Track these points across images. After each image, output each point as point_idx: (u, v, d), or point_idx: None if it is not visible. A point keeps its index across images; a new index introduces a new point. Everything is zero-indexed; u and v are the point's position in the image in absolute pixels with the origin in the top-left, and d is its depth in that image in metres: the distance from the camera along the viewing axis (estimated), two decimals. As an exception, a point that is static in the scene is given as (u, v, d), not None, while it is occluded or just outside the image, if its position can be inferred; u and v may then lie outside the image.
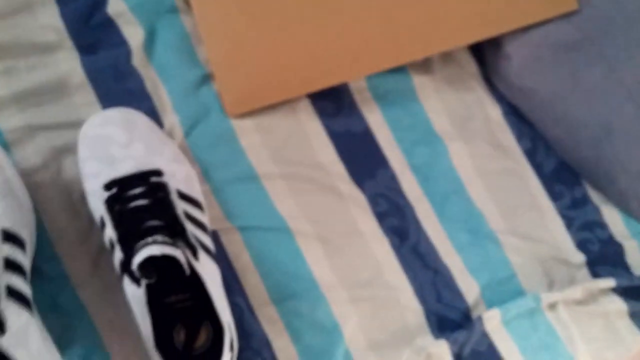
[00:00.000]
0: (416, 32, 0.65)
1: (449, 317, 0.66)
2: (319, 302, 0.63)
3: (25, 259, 0.51)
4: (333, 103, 0.68)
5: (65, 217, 0.57)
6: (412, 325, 0.65)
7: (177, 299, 0.54)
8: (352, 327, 0.63)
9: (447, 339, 0.63)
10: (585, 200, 0.73)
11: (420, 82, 0.70)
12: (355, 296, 0.64)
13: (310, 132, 0.66)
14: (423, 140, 0.69)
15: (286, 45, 0.63)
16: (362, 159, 0.68)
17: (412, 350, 0.63)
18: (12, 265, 0.48)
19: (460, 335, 0.63)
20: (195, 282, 0.52)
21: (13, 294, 0.47)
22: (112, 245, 0.52)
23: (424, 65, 0.71)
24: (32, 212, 0.55)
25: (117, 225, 0.51)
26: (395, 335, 0.64)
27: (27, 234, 0.52)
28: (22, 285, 0.49)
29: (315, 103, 0.67)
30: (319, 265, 0.64)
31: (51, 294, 0.55)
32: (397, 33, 0.64)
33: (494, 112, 0.72)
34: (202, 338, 0.55)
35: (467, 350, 0.64)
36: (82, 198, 0.57)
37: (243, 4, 0.62)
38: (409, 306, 0.65)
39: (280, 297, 0.62)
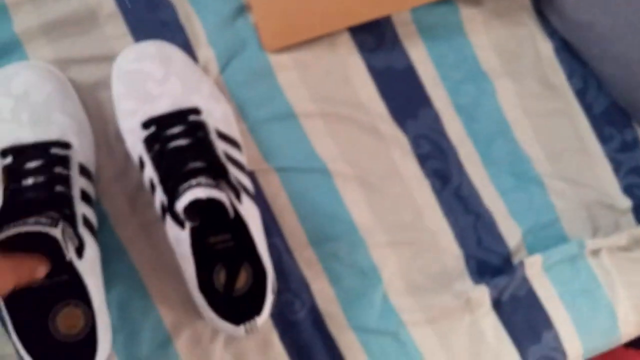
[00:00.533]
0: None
1: (489, 262, 0.65)
2: (357, 245, 0.62)
3: (93, 191, 0.53)
4: (374, 37, 0.64)
5: (101, 155, 0.56)
6: (452, 270, 0.64)
7: (218, 241, 0.53)
8: (391, 271, 0.62)
9: (487, 284, 0.62)
10: (635, 144, 0.70)
11: (468, 15, 0.66)
12: (394, 239, 0.63)
13: (350, 68, 0.63)
14: (469, 78, 0.66)
15: None
16: (404, 97, 0.65)
17: (451, 295, 0.62)
18: (86, 198, 0.50)
19: (501, 280, 0.63)
20: (237, 224, 0.51)
21: (87, 224, 0.49)
22: (152, 187, 0.51)
23: (473, -3, 0.67)
24: (94, 145, 0.55)
25: (158, 166, 0.50)
26: (434, 279, 0.63)
27: (94, 168, 0.54)
28: (93, 217, 0.51)
29: (355, 37, 0.63)
30: (358, 207, 0.62)
31: (90, 234, 0.55)
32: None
33: (545, 48, 0.68)
34: (242, 280, 0.55)
35: (506, 296, 0.63)
36: (118, 136, 0.55)
37: None
38: (449, 250, 0.64)
39: (319, 240, 0.61)
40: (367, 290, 0.61)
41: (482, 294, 0.62)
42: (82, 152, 0.52)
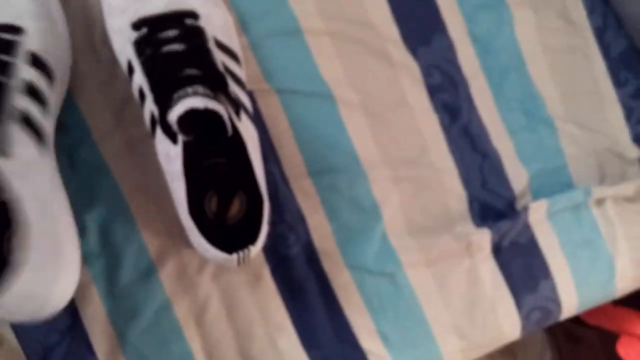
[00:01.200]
0: None
1: (492, 205, 0.62)
2: (359, 179, 0.58)
3: (51, 93, 0.45)
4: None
5: (85, 60, 0.50)
6: (454, 211, 0.61)
7: (212, 163, 0.49)
8: (392, 208, 0.59)
9: (489, 227, 0.60)
10: (650, 91, 0.67)
11: (491, -64, 0.61)
12: (397, 175, 0.59)
13: (364, -14, 0.58)
14: (487, 4, 0.62)
15: None
16: (418, 21, 0.60)
17: (452, 237, 0.59)
18: (33, 93, 0.43)
19: (503, 225, 0.60)
20: (234, 144, 0.46)
21: (27, 122, 0.42)
22: (142, 95, 0.45)
23: None
24: (70, 49, 0.48)
25: (149, 72, 0.44)
26: (436, 219, 0.60)
27: (60, 68, 0.46)
28: (39, 118, 0.44)
29: (370, -49, 0.58)
30: (362, 138, 0.58)
31: (70, 148, 0.49)
32: None
33: (569, -21, 0.64)
34: (236, 207, 0.50)
35: (506, 242, 0.61)
36: (105, 38, 0.49)
37: None
38: (453, 190, 0.61)
39: (318, 170, 0.57)
40: (366, 227, 0.58)
41: (483, 237, 0.59)
42: (38, 40, 0.45)
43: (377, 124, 0.58)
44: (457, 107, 0.61)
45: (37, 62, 0.44)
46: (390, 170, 0.59)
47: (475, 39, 0.61)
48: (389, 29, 0.59)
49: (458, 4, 0.61)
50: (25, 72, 0.43)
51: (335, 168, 0.57)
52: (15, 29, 0.44)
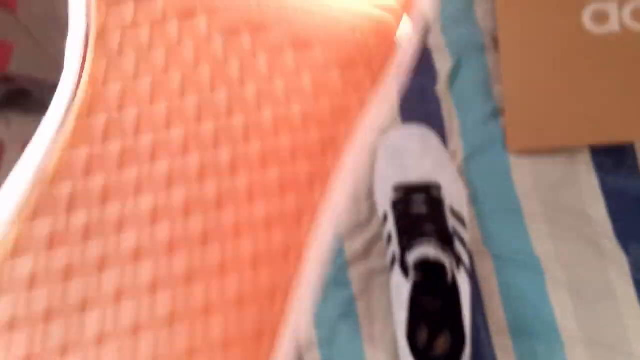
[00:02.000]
0: None
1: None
2: (557, 350, 0.65)
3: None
4: (613, 160, 0.69)
5: (350, 205, 0.69)
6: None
7: (431, 302, 0.61)
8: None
9: None
10: None
11: None
12: (594, 355, 0.64)
13: (584, 183, 0.68)
14: None
15: (578, 96, 0.67)
16: (633, 221, 0.67)
17: None
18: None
19: None
20: (451, 291, 0.59)
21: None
22: (389, 238, 0.61)
23: None
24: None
25: (399, 223, 0.60)
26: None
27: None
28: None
29: (594, 156, 0.69)
30: (565, 314, 0.65)
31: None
32: None
33: None
34: (441, 343, 0.61)
35: None
36: (368, 192, 0.68)
37: (545, 52, 0.67)
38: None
39: (519, 332, 0.65)
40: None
41: None
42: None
43: (581, 305, 0.65)
44: (665, 305, 0.65)
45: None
46: (588, 349, 0.64)
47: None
48: (604, 224, 0.67)
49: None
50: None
51: (535, 335, 0.65)
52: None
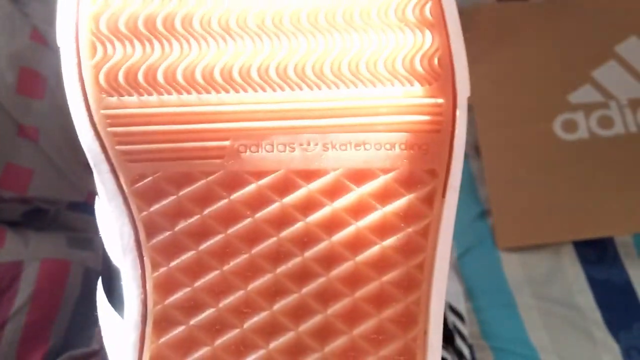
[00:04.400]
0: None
1: None
2: None
3: None
4: (596, 251, 0.75)
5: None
6: None
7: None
8: None
9: None
10: None
11: (690, 246, 0.74)
12: None
13: (571, 275, 0.74)
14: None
15: (556, 197, 0.75)
16: (620, 309, 0.73)
17: None
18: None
19: None
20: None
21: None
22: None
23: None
24: None
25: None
26: None
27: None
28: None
29: (578, 249, 0.75)
30: (564, 401, 0.69)
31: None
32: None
33: None
34: None
35: None
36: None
37: (523, 158, 0.76)
38: None
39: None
40: None
41: None
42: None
43: (578, 391, 0.70)
44: (658, 389, 0.69)
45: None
46: None
47: (676, 331, 0.71)
48: (593, 313, 0.73)
49: (658, 299, 0.73)
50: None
51: (537, 421, 0.69)
52: None
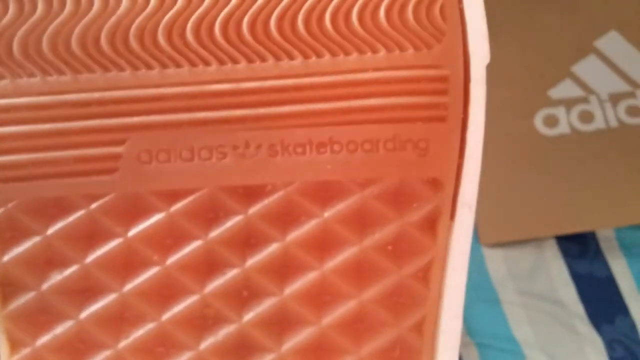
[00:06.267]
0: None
1: None
2: None
3: None
4: (578, 246, 0.68)
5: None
6: None
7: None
8: None
9: None
10: None
11: (671, 239, 0.66)
12: None
13: (554, 269, 0.66)
14: (670, 296, 0.64)
15: (538, 192, 0.68)
16: (602, 303, 0.65)
17: None
18: None
19: None
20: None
21: None
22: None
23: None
24: None
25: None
26: None
27: None
28: None
29: (560, 244, 0.68)
30: (548, 395, 0.61)
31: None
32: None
33: None
34: None
35: None
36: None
37: (506, 154, 0.68)
38: None
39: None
40: None
41: None
42: None
43: (562, 385, 0.62)
44: (642, 382, 0.61)
45: None
46: None
47: (659, 324, 0.63)
48: (576, 307, 0.65)
49: (639, 292, 0.64)
50: None
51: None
52: None
